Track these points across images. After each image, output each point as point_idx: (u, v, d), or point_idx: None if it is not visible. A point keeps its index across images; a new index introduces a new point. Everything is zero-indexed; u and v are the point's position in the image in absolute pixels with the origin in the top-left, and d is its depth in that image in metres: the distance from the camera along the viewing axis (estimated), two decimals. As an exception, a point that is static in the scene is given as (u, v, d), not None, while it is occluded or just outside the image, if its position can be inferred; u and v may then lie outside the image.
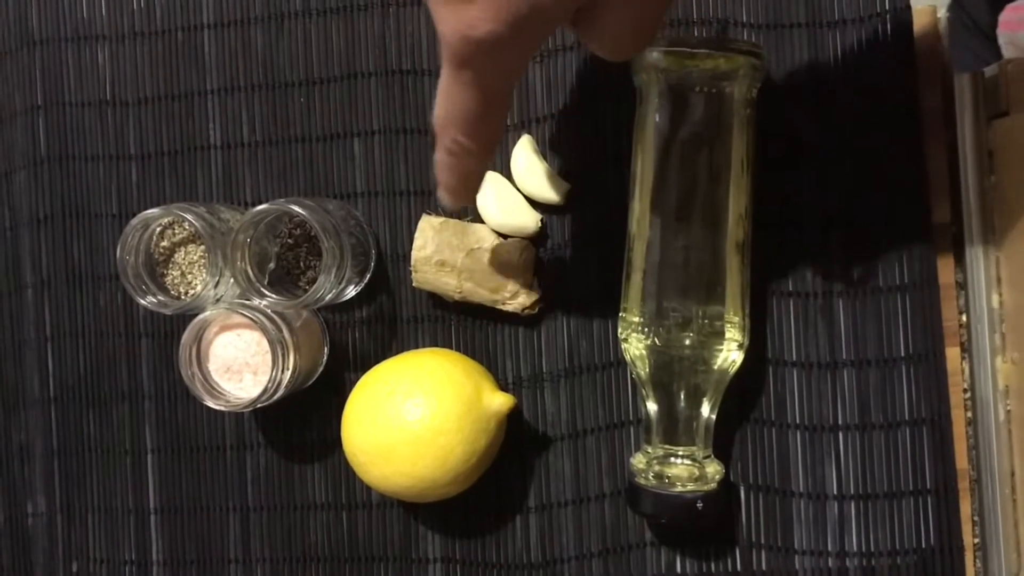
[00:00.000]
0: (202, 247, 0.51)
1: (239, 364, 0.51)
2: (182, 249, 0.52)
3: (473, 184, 0.43)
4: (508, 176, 0.53)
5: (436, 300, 0.54)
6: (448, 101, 0.38)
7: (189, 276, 0.52)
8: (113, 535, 0.57)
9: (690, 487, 0.47)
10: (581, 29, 0.39)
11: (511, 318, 0.53)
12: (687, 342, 0.47)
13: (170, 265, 0.52)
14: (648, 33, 0.40)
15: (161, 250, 0.52)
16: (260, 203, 0.50)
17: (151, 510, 0.57)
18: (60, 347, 0.58)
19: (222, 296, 0.51)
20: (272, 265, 0.52)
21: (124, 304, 0.57)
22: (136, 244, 0.50)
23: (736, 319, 0.48)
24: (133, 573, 0.57)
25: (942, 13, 0.51)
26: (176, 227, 0.52)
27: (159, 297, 0.51)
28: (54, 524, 0.58)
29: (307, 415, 0.55)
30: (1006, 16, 0.82)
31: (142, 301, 0.50)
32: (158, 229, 0.52)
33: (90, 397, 0.57)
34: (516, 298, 0.52)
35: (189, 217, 0.49)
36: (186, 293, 0.52)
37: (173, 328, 0.56)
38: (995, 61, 0.58)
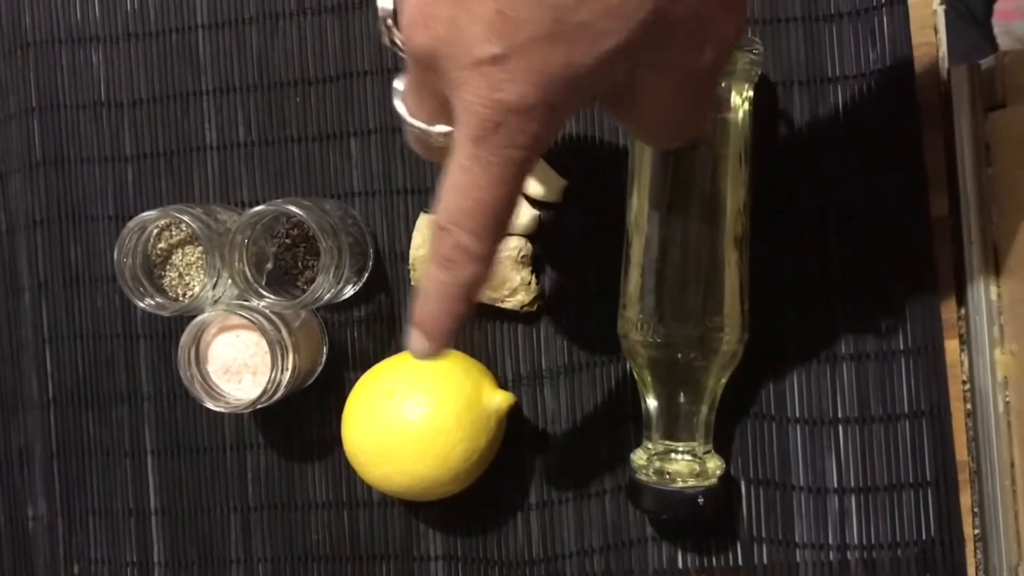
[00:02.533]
0: (199, 248, 0.51)
1: (238, 365, 0.51)
2: (179, 251, 0.52)
3: (463, 312, 0.35)
4: (505, 173, 0.52)
5: (435, 298, 0.53)
6: (459, 192, 0.32)
7: (187, 278, 0.52)
8: (114, 537, 0.57)
9: (691, 482, 0.47)
10: (617, 111, 0.35)
11: (510, 316, 0.53)
12: (686, 337, 0.47)
13: (167, 267, 0.52)
14: (695, 119, 0.36)
15: (158, 252, 0.52)
16: (257, 204, 0.50)
17: (152, 511, 0.57)
18: (58, 349, 0.58)
19: (220, 297, 0.51)
20: (270, 266, 0.52)
21: (122, 306, 0.57)
22: (133, 246, 0.50)
23: (735, 314, 0.48)
24: (135, 574, 0.57)
25: (938, 5, 0.50)
26: (173, 229, 0.52)
27: (157, 299, 0.51)
28: (55, 527, 0.58)
29: (307, 415, 0.55)
30: (1002, 5, 0.83)
31: (140, 303, 0.50)
32: (155, 231, 0.52)
33: (89, 399, 0.57)
34: (515, 296, 0.52)
35: (186, 218, 0.49)
36: (184, 295, 0.52)
37: (171, 329, 0.56)
38: (991, 51, 0.58)
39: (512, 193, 0.32)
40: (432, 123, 0.35)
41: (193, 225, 0.49)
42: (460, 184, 0.31)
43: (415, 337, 0.36)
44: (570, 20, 0.29)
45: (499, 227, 0.33)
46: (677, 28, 0.31)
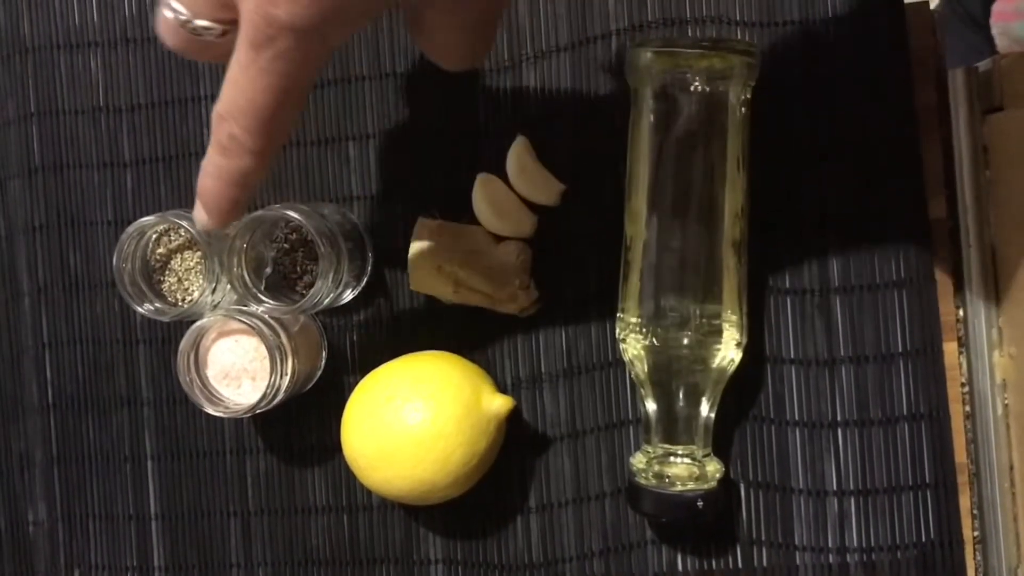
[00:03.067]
0: (198, 254, 0.51)
1: (237, 370, 0.51)
2: (178, 256, 0.52)
3: (237, 197, 0.37)
4: (503, 178, 0.52)
5: (433, 303, 0.54)
6: (237, 87, 0.34)
7: (186, 283, 0.52)
8: (114, 542, 0.57)
9: (690, 486, 0.48)
10: (413, 32, 0.38)
11: (509, 320, 0.53)
12: (685, 341, 0.47)
13: (167, 272, 0.52)
14: (482, 39, 0.39)
15: (157, 257, 0.52)
16: (255, 209, 0.50)
17: (152, 516, 0.57)
18: (58, 355, 0.58)
19: (219, 302, 0.51)
20: (269, 270, 0.52)
21: (121, 311, 0.57)
22: (132, 251, 0.50)
23: (734, 317, 0.48)
24: (135, 579, 0.57)
25: (936, 6, 0.50)
26: (172, 234, 0.52)
27: (156, 304, 0.51)
28: (55, 532, 0.58)
29: (306, 419, 0.55)
30: (999, 7, 0.82)
31: (139, 309, 0.50)
32: (154, 236, 0.52)
33: (89, 404, 0.57)
34: (513, 300, 0.52)
35: (185, 224, 0.49)
36: (183, 300, 0.52)
37: (171, 334, 0.56)
38: (990, 52, 0.58)
39: (286, 101, 0.34)
40: (201, 15, 0.35)
41: (192, 230, 0.49)
42: (238, 81, 0.34)
43: (197, 209, 0.38)
44: None
45: (273, 129, 0.35)
46: None
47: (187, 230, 0.49)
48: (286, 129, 0.36)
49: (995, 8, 0.82)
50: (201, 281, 0.51)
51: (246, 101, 0.34)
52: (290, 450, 0.56)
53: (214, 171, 0.37)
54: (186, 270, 0.52)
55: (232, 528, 0.56)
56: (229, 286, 0.50)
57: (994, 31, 0.82)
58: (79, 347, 0.57)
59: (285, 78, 0.33)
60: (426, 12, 0.37)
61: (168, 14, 0.35)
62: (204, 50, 0.36)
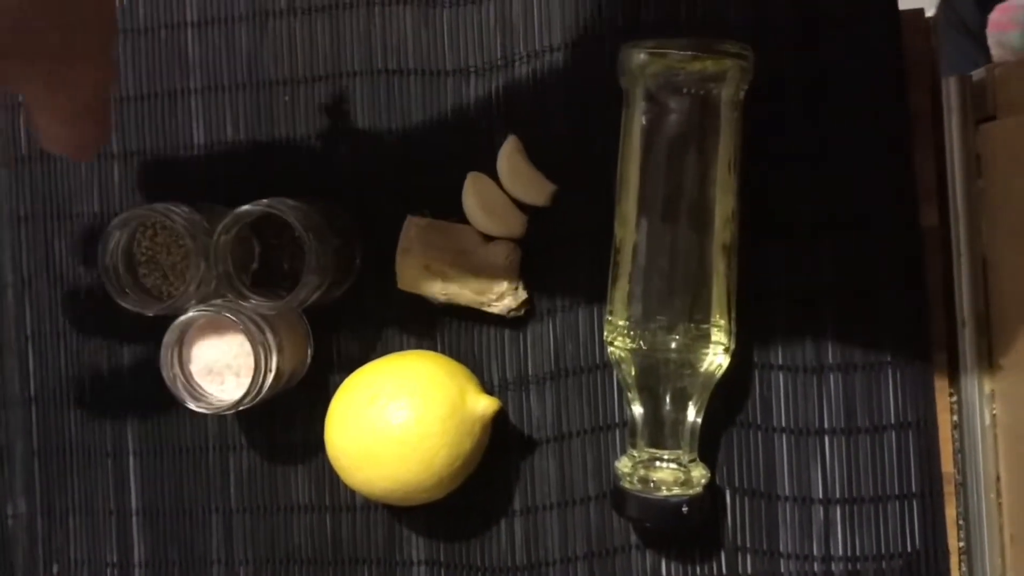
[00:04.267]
0: (184, 248, 0.51)
1: (221, 366, 0.51)
2: (164, 250, 0.51)
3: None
4: (494, 178, 0.52)
5: (421, 302, 0.53)
6: None
7: (171, 277, 0.51)
8: (94, 537, 0.57)
9: (675, 491, 0.47)
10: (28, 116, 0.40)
11: (497, 320, 0.53)
12: (673, 345, 0.47)
13: (152, 266, 0.52)
14: (92, 129, 0.41)
15: (143, 251, 0.51)
16: (243, 203, 0.50)
17: (133, 511, 0.56)
18: (41, 347, 0.57)
19: (205, 297, 0.51)
20: (255, 266, 0.51)
21: (106, 304, 0.56)
22: (117, 244, 0.50)
23: (722, 322, 0.47)
24: (115, 575, 0.57)
25: (931, 14, 0.50)
26: (158, 228, 0.51)
27: (140, 298, 0.50)
28: (34, 525, 0.57)
29: (291, 417, 0.55)
30: (995, 16, 0.83)
31: (123, 302, 0.50)
32: (141, 230, 0.51)
33: (71, 398, 0.57)
34: (502, 300, 0.51)
35: (172, 217, 0.48)
36: (168, 295, 0.51)
37: (155, 329, 0.55)
38: (984, 61, 0.58)
39: None
40: None
41: (178, 224, 0.49)
42: None
43: None
44: None
45: None
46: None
47: (173, 224, 0.49)
48: None
49: (992, 17, 0.82)
50: (187, 277, 0.51)
51: None
52: (274, 448, 0.55)
53: None
54: (172, 265, 0.51)
55: (214, 525, 0.56)
56: (215, 282, 0.50)
57: (990, 40, 0.82)
58: (62, 340, 0.57)
59: None
60: (27, 97, 0.38)
61: None
62: None
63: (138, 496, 0.56)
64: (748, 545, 0.51)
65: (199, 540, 0.56)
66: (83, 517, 0.57)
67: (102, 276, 0.49)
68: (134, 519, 0.56)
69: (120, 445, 0.56)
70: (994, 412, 0.50)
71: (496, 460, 0.52)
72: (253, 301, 0.49)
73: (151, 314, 0.50)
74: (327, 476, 0.55)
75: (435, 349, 0.54)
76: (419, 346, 0.54)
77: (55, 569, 0.57)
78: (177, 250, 0.51)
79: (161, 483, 0.56)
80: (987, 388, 0.50)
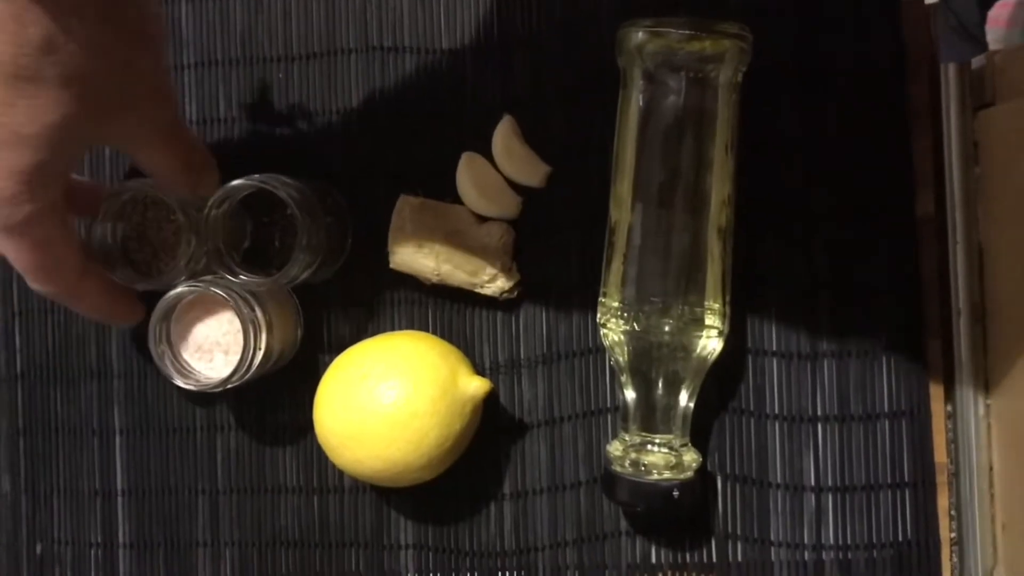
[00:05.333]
0: (175, 224, 0.50)
1: (210, 343, 0.50)
2: (155, 226, 0.51)
3: (109, 311, 0.48)
4: (489, 158, 0.52)
5: (413, 282, 0.53)
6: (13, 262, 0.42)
7: (162, 253, 0.51)
8: (79, 516, 0.56)
9: (666, 475, 0.47)
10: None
11: (489, 302, 0.52)
12: (666, 328, 0.46)
13: (142, 242, 0.51)
14: (185, 155, 0.46)
15: (134, 226, 0.51)
16: (235, 179, 0.49)
17: (118, 491, 0.56)
18: (28, 323, 0.56)
19: (195, 274, 0.50)
20: (247, 243, 0.51)
21: (95, 281, 0.56)
22: (106, 218, 0.49)
23: (716, 306, 0.47)
24: (99, 555, 0.56)
25: (930, 1, 0.50)
26: (149, 203, 0.51)
27: (128, 273, 0.50)
28: (18, 504, 0.57)
29: (279, 397, 0.54)
30: (995, 12, 0.82)
31: (112, 277, 0.49)
32: (131, 204, 0.51)
33: (58, 375, 0.56)
34: (494, 282, 0.51)
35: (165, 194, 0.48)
36: (157, 271, 0.51)
37: (145, 306, 0.55)
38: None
39: (36, 259, 0.42)
40: None
41: (170, 199, 0.48)
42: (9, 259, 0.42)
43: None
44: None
45: (61, 276, 0.44)
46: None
47: (166, 200, 0.48)
48: (71, 269, 0.44)
49: (991, 14, 0.82)
50: (176, 254, 0.50)
51: (24, 268, 0.42)
52: (262, 429, 0.55)
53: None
54: (162, 241, 0.51)
55: (200, 506, 0.55)
56: (204, 259, 0.49)
57: (989, 37, 0.81)
58: (50, 316, 0.56)
59: (36, 242, 0.41)
60: (130, 135, 0.43)
61: None
62: None
63: (124, 476, 0.56)
64: (739, 532, 0.51)
65: (185, 521, 0.55)
66: (68, 497, 0.56)
67: (90, 250, 0.49)
68: (119, 499, 0.56)
69: (106, 424, 0.56)
70: (988, 402, 0.50)
71: (486, 444, 0.52)
72: (243, 278, 0.48)
73: (139, 289, 0.49)
74: (315, 458, 0.54)
75: (427, 330, 0.53)
76: (410, 327, 0.53)
77: (38, 548, 0.56)
78: (168, 226, 0.51)
79: (147, 463, 0.56)
80: (981, 377, 0.50)
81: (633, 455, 0.47)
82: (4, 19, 0.35)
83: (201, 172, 0.47)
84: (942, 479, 0.50)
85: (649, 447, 0.47)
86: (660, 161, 0.47)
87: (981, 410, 0.50)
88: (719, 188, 0.47)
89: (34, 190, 0.39)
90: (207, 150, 0.48)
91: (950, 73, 0.49)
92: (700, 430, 0.50)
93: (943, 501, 0.50)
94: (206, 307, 0.50)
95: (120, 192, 0.49)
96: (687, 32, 0.45)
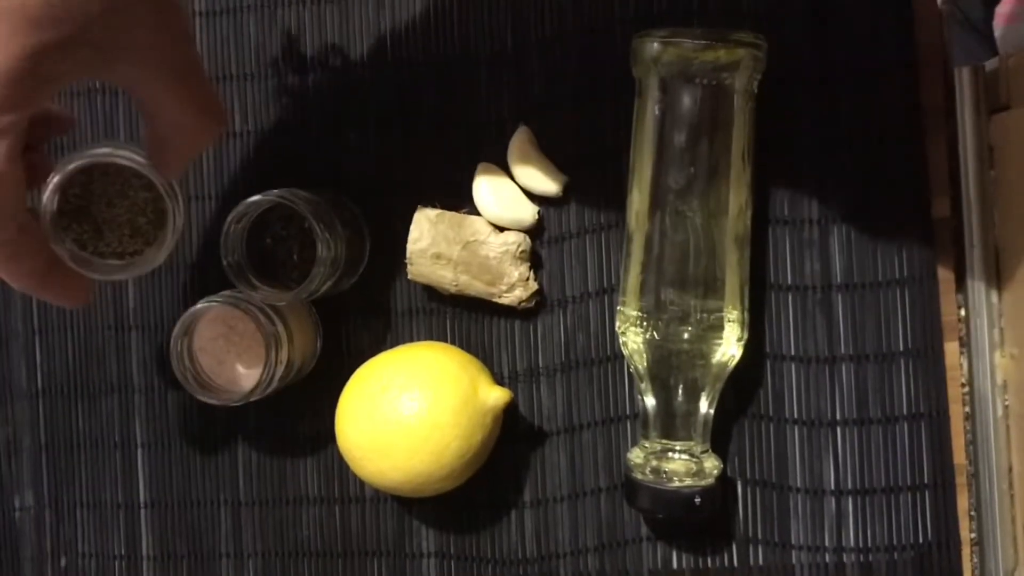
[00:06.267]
0: (127, 203, 0.45)
1: (231, 358, 0.50)
2: (103, 201, 0.44)
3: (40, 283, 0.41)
4: (505, 168, 0.52)
5: (431, 293, 0.53)
6: None
7: (107, 234, 0.45)
8: (102, 529, 0.57)
9: (688, 482, 0.47)
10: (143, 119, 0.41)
11: (507, 311, 0.52)
12: (685, 336, 0.47)
13: (82, 218, 0.44)
14: (202, 104, 0.41)
15: (73, 197, 0.44)
16: (252, 194, 0.49)
17: (141, 504, 0.56)
18: (48, 340, 0.57)
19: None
20: (264, 256, 0.51)
21: (113, 296, 0.56)
22: (58, 185, 0.43)
23: (735, 313, 0.47)
24: (123, 568, 0.56)
25: (943, 4, 0.50)
26: (98, 174, 0.44)
27: (69, 246, 0.44)
28: (42, 519, 0.57)
29: (300, 408, 0.55)
30: (1001, 8, 0.82)
31: (58, 249, 0.43)
32: (81, 174, 0.44)
33: (79, 390, 0.57)
34: (512, 291, 0.51)
35: (120, 159, 0.42)
36: (96, 251, 0.44)
37: (163, 320, 0.55)
38: (988, 56, 0.57)
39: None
40: None
41: (139, 167, 0.42)
42: None
43: None
44: None
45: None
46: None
47: (144, 173, 0.42)
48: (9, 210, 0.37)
49: (999, 10, 0.81)
50: (121, 235, 0.45)
51: None
52: (283, 440, 0.55)
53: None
54: (108, 220, 0.45)
55: (222, 518, 0.56)
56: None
57: (997, 33, 0.81)
58: (70, 332, 0.57)
59: None
60: (141, 78, 0.39)
61: None
62: None
63: (146, 489, 0.56)
64: (760, 536, 0.51)
65: (207, 533, 0.56)
66: (91, 510, 0.57)
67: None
68: (142, 512, 0.56)
69: (128, 437, 0.56)
70: (1006, 403, 0.50)
71: (507, 452, 0.52)
72: (263, 292, 0.49)
73: (93, 276, 0.44)
74: (336, 468, 0.54)
75: (445, 340, 0.53)
76: (429, 337, 0.53)
77: (63, 562, 0.57)
78: (121, 202, 0.45)
79: (169, 475, 0.56)
80: (999, 379, 0.50)
81: (654, 462, 0.48)
82: None
83: (216, 120, 0.42)
84: (961, 480, 0.50)
85: (670, 454, 0.48)
86: (677, 170, 0.47)
87: (1000, 411, 0.50)
88: (736, 196, 0.47)
89: (14, 99, 0.35)
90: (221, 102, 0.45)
91: (964, 77, 0.50)
92: (720, 436, 0.50)
93: (963, 502, 0.50)
94: (227, 322, 0.51)
95: (73, 159, 0.42)
96: (702, 42, 0.45)
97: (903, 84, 0.50)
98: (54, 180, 0.42)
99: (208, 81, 0.42)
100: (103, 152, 0.43)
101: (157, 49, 0.38)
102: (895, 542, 0.50)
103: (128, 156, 0.43)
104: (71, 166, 0.42)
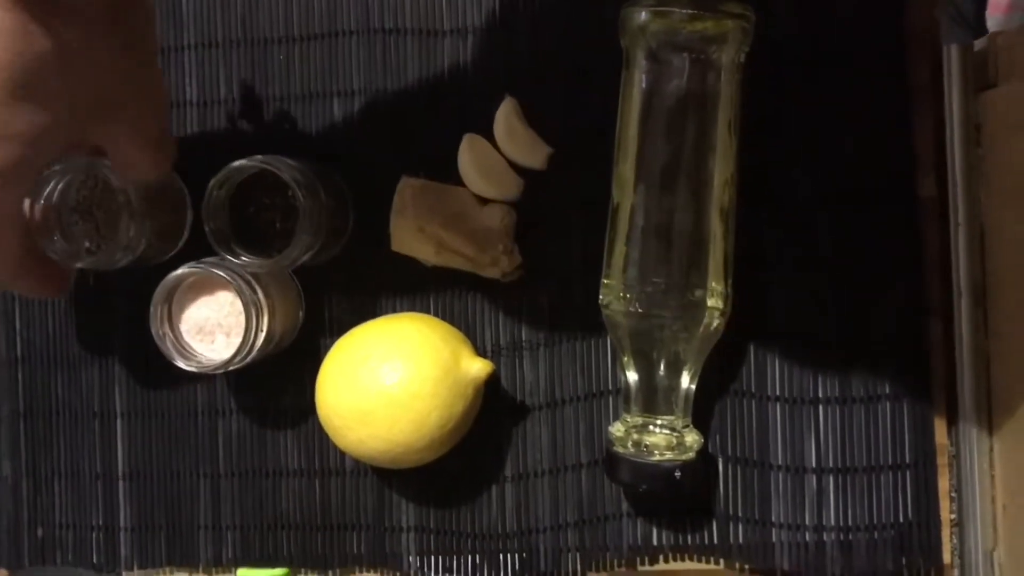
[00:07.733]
0: (117, 204, 0.49)
1: (212, 325, 0.50)
2: (104, 204, 0.50)
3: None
4: (491, 139, 0.52)
5: (415, 265, 0.53)
6: None
7: (104, 230, 0.50)
8: (80, 500, 0.56)
9: (668, 456, 0.47)
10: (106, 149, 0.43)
11: (491, 284, 0.52)
12: (668, 309, 0.46)
13: (86, 218, 0.50)
14: (156, 149, 0.43)
15: (80, 199, 0.50)
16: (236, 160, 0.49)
17: (119, 475, 0.56)
18: (27, 307, 0.56)
19: (140, 257, 0.50)
20: (247, 224, 0.51)
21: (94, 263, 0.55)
22: (53, 189, 0.48)
23: (718, 287, 0.47)
24: (100, 539, 0.56)
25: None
26: (96, 180, 0.50)
27: (67, 247, 0.49)
28: (19, 488, 0.56)
29: (281, 380, 0.54)
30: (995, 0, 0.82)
31: (48, 250, 0.48)
32: (81, 180, 0.50)
33: (58, 358, 0.56)
34: (496, 264, 0.51)
35: (107, 173, 0.47)
36: (96, 247, 0.50)
37: (145, 289, 0.55)
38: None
39: None
40: None
41: (116, 179, 0.48)
42: None
43: None
44: None
45: None
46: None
47: (113, 179, 0.48)
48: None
49: (990, 1, 0.81)
50: (116, 234, 0.49)
51: None
52: (263, 412, 0.55)
53: None
54: (105, 220, 0.50)
55: (201, 489, 0.55)
56: (144, 243, 0.49)
57: (990, 24, 0.81)
58: (49, 300, 0.56)
59: None
60: (110, 136, 0.42)
61: None
62: None
63: (125, 459, 0.56)
64: (740, 514, 0.51)
65: (186, 505, 0.55)
66: (69, 480, 0.56)
67: (32, 219, 0.48)
68: (120, 483, 0.56)
69: (107, 407, 0.56)
70: (989, 382, 0.50)
71: (488, 426, 0.52)
72: (244, 259, 0.48)
73: (74, 265, 0.49)
74: (317, 441, 0.54)
75: (428, 312, 0.53)
76: (412, 309, 0.53)
77: (40, 532, 0.56)
78: (112, 205, 0.50)
79: (149, 446, 0.56)
80: (982, 358, 0.50)
81: (635, 436, 0.48)
82: (8, 29, 0.34)
83: (167, 157, 0.46)
84: (943, 460, 0.50)
85: (651, 428, 0.48)
86: (663, 142, 0.47)
87: (982, 391, 0.50)
88: (722, 169, 0.47)
89: (7, 182, 0.37)
90: (174, 140, 0.47)
91: (952, 54, 0.49)
92: (702, 412, 0.50)
93: (944, 482, 0.50)
94: (208, 289, 0.50)
95: (73, 167, 0.48)
96: (690, 12, 0.45)
97: (891, 60, 0.50)
98: (58, 189, 0.48)
99: (168, 117, 0.46)
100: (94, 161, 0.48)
101: (133, 120, 0.42)
102: (875, 521, 0.50)
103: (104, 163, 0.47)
104: (73, 171, 0.48)
